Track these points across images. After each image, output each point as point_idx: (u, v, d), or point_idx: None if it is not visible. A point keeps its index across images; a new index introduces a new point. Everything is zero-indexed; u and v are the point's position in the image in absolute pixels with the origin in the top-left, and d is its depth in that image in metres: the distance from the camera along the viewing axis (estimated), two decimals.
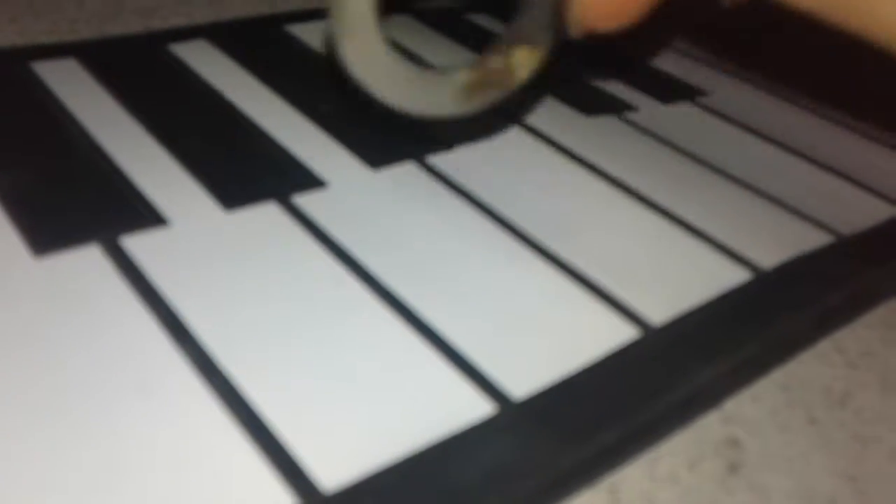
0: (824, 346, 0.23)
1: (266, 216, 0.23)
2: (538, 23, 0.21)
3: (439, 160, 0.27)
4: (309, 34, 0.34)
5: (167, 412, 0.17)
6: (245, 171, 0.25)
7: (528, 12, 0.21)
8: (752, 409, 0.21)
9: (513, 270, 0.23)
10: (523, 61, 0.22)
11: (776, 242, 0.26)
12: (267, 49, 0.33)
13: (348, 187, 0.25)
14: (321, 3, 0.38)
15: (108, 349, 0.18)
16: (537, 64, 0.22)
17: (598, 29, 0.21)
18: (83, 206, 0.22)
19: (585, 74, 0.29)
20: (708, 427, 0.20)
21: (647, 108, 0.33)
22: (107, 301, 0.20)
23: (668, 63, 0.38)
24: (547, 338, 0.21)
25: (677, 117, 0.33)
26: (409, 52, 0.34)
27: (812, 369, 0.22)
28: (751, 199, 0.28)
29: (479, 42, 0.36)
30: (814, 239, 0.27)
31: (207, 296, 0.20)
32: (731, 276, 0.24)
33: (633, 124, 0.32)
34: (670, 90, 0.35)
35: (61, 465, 0.16)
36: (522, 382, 0.19)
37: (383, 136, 0.28)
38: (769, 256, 0.25)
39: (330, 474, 0.16)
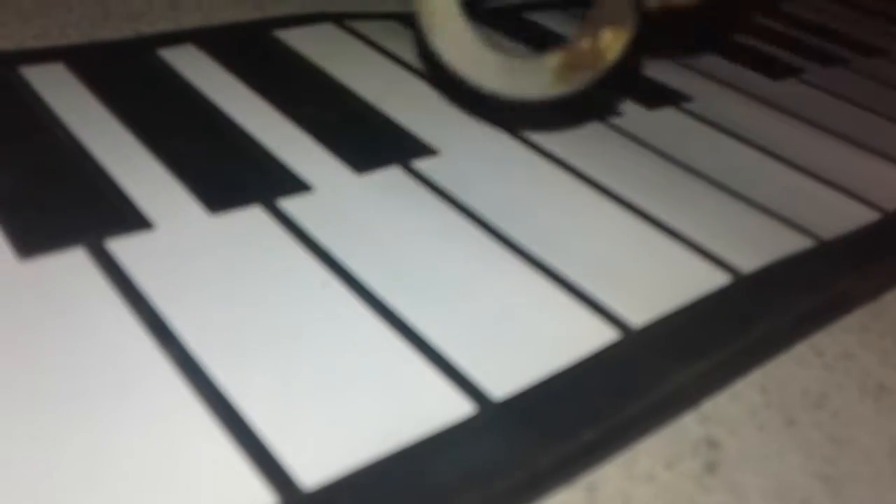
0: (802, 348, 0.23)
1: (251, 220, 0.24)
2: (623, 4, 0.22)
3: (424, 165, 0.28)
4: (297, 40, 0.35)
5: (149, 412, 0.17)
6: (231, 174, 0.25)
7: None
8: (730, 410, 0.21)
9: (495, 273, 0.23)
10: (611, 42, 0.22)
11: (757, 246, 0.26)
12: (255, 54, 0.33)
13: (334, 192, 0.25)
14: (310, 9, 0.38)
15: (92, 351, 0.18)
16: (625, 43, 0.22)
17: (674, 2, 0.22)
18: (69, 210, 0.23)
19: (667, 48, 0.30)
20: (686, 427, 0.20)
21: (632, 113, 0.34)
22: (91, 303, 0.20)
23: (653, 68, 0.38)
24: (527, 339, 0.21)
25: (661, 122, 0.33)
26: (397, 57, 0.35)
27: (790, 371, 0.22)
28: (732, 203, 0.29)
29: None
30: (794, 243, 0.27)
31: (192, 298, 0.20)
32: (712, 280, 0.24)
33: (618, 129, 0.32)
34: (655, 95, 0.36)
35: (41, 464, 0.16)
36: (502, 383, 0.19)
37: (371, 141, 0.28)
38: (749, 260, 0.25)
39: (310, 472, 0.16)
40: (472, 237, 0.24)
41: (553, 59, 0.23)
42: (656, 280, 0.24)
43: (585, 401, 0.19)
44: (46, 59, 0.30)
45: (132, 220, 0.23)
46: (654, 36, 0.29)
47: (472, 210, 0.26)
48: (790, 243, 0.27)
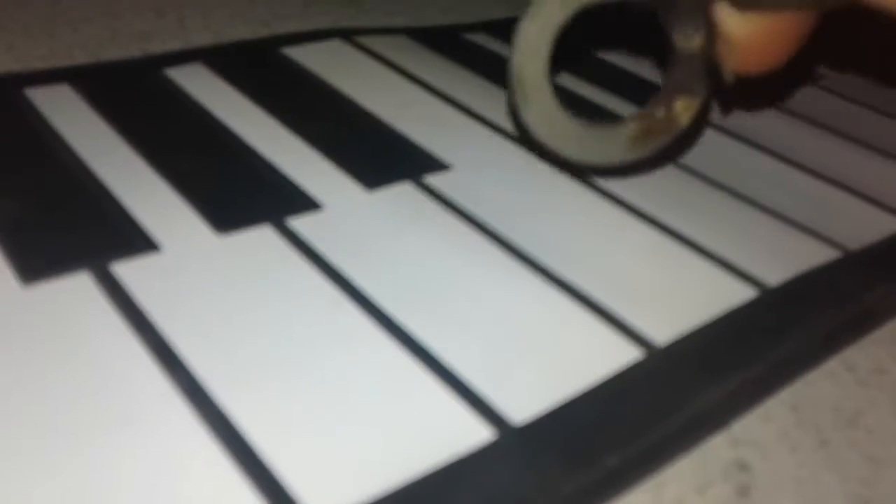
0: (833, 363, 0.23)
1: (260, 239, 0.23)
2: (694, 74, 0.24)
3: (436, 180, 0.27)
4: (305, 56, 0.34)
5: (155, 441, 0.17)
6: (239, 194, 0.25)
7: (682, 65, 0.24)
8: (761, 431, 0.20)
9: (512, 291, 0.22)
10: (684, 110, 0.24)
11: (781, 259, 0.25)
12: (263, 72, 0.33)
13: (344, 209, 0.25)
14: (317, 25, 0.38)
15: (97, 378, 0.18)
16: (697, 110, 0.24)
17: (751, 72, 0.24)
18: (74, 233, 0.22)
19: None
20: (716, 449, 0.19)
21: None
22: (97, 329, 0.19)
23: None
24: (547, 360, 0.20)
25: None
26: (407, 72, 0.34)
27: (821, 388, 0.22)
28: (754, 214, 0.28)
29: (478, 62, 0.36)
30: (820, 254, 0.26)
31: (199, 322, 0.20)
32: (736, 294, 0.23)
33: None
34: None
35: (41, 494, 0.15)
36: (522, 407, 0.19)
37: (378, 156, 0.28)
38: (775, 273, 0.25)
39: None
40: (487, 253, 0.24)
41: (631, 127, 0.24)
42: (679, 296, 0.23)
43: (610, 424, 0.19)
44: (51, 80, 0.29)
45: (138, 242, 0.22)
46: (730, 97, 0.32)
47: (486, 225, 0.25)
48: (816, 255, 0.26)
